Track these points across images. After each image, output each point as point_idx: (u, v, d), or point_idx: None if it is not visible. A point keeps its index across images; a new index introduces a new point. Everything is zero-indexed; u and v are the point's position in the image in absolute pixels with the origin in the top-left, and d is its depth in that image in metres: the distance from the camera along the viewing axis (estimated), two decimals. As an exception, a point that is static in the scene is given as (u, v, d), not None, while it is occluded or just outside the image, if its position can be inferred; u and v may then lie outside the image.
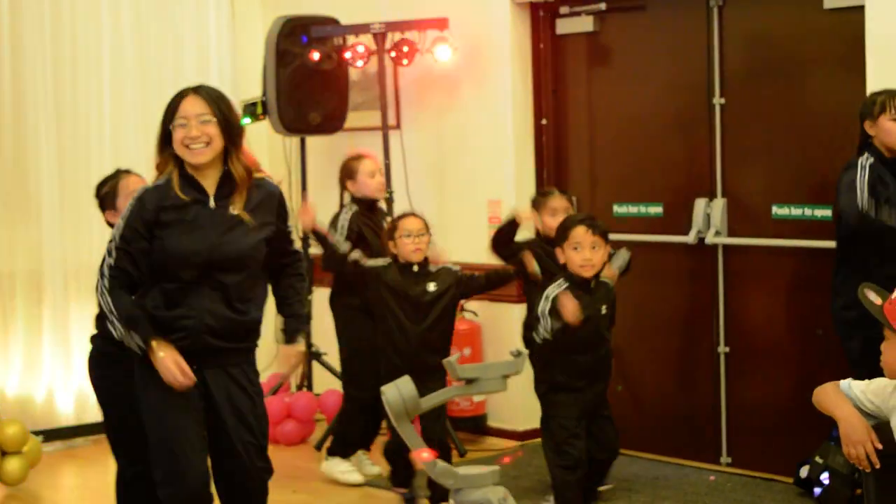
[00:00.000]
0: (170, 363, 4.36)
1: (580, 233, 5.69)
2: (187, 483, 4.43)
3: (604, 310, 5.78)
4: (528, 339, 6.00)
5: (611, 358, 5.96)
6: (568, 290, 5.65)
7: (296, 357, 4.63)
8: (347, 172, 6.81)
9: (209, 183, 4.53)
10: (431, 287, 6.05)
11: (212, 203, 4.51)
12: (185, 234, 4.46)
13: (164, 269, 4.48)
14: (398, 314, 5.96)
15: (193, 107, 4.48)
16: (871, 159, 5.51)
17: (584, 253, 5.68)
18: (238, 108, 7.75)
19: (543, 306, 5.66)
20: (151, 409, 4.50)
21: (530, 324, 5.93)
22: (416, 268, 6.04)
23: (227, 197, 4.53)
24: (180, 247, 4.45)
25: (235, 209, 4.52)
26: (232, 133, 4.52)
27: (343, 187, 6.88)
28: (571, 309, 5.53)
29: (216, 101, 4.53)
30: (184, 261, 4.45)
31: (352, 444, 6.73)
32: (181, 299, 4.47)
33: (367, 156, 6.84)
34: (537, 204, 6.38)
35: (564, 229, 5.74)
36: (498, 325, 7.55)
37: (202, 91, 4.55)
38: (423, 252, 6.06)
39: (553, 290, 5.69)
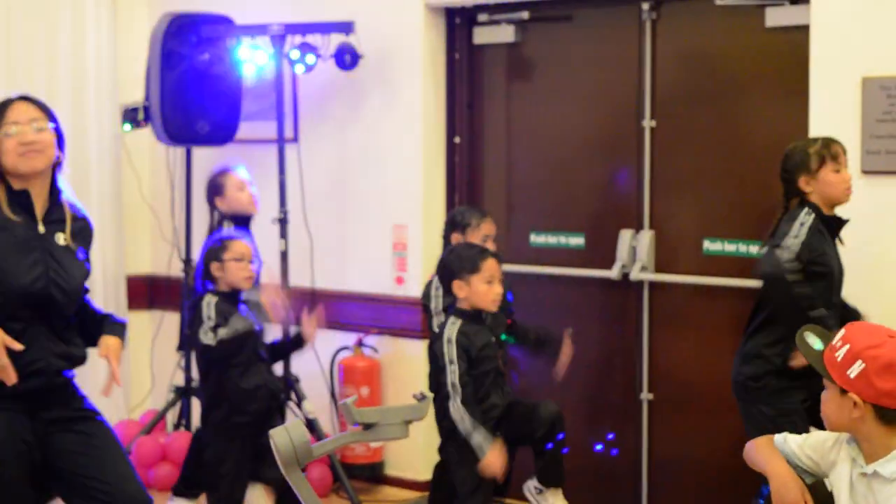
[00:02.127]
0: None
1: (493, 266, 5.73)
2: None
3: (503, 336, 5.95)
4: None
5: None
6: (466, 325, 5.70)
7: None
8: (215, 188, 6.82)
9: (37, 203, 4.51)
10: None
11: (41, 227, 4.50)
12: (19, 257, 4.44)
13: None
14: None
15: (26, 112, 4.48)
16: (813, 218, 5.50)
17: (496, 287, 5.73)
18: (117, 113, 7.75)
19: (451, 352, 5.68)
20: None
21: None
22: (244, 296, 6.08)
23: (55, 223, 4.53)
24: (15, 271, 4.42)
25: (62, 239, 4.54)
26: (62, 146, 4.56)
27: (212, 206, 6.88)
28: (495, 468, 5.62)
29: (47, 108, 4.56)
30: (21, 290, 4.43)
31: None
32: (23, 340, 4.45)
33: (233, 168, 6.88)
34: (465, 226, 6.35)
35: (473, 261, 5.72)
36: (399, 362, 7.54)
37: (32, 98, 4.56)
38: (253, 278, 6.07)
39: (452, 331, 5.71)
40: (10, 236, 4.44)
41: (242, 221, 6.76)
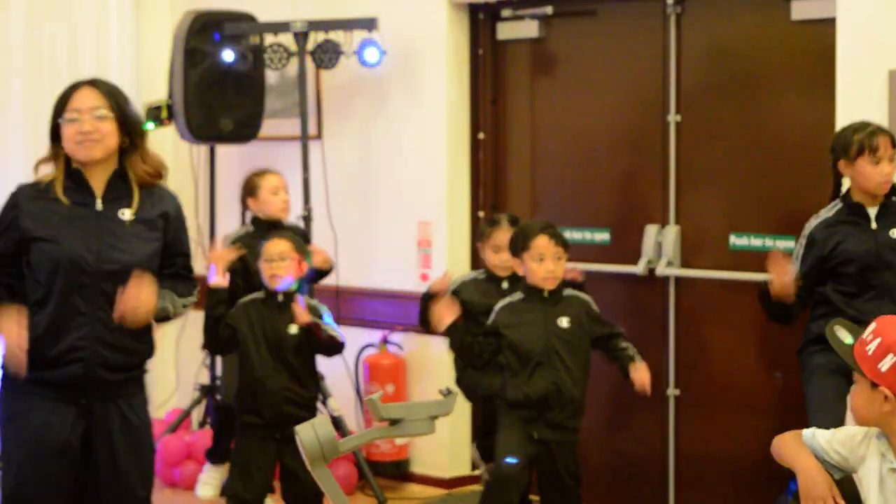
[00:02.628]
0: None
1: (543, 243, 5.73)
2: None
3: (564, 323, 5.76)
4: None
5: (577, 388, 5.83)
6: (521, 302, 5.73)
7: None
8: (249, 189, 6.83)
9: (97, 184, 4.50)
10: (293, 329, 6.00)
11: (98, 205, 4.48)
12: (68, 231, 4.44)
13: (37, 285, 4.44)
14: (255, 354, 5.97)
15: (87, 100, 4.45)
16: (837, 208, 5.56)
17: (548, 264, 5.72)
18: (140, 111, 7.75)
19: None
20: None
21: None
22: (280, 297, 6.01)
23: (117, 200, 4.50)
24: (64, 243, 4.42)
25: (125, 215, 4.50)
26: (132, 131, 4.52)
27: (244, 206, 6.89)
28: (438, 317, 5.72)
29: (113, 95, 4.51)
30: (67, 262, 4.42)
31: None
32: (64, 324, 4.43)
33: (271, 171, 6.85)
34: (482, 235, 6.36)
35: (524, 238, 5.76)
36: (425, 359, 7.53)
37: (98, 84, 4.53)
38: (282, 277, 5.98)
39: (505, 301, 5.80)
40: (54, 212, 4.44)
41: (271, 226, 6.72)
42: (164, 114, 7.53)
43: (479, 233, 6.47)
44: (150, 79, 8.16)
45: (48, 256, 4.42)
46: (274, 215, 6.78)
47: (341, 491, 3.24)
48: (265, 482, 5.99)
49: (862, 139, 5.46)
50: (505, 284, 6.23)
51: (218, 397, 7.43)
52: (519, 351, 5.71)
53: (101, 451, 4.52)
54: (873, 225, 5.52)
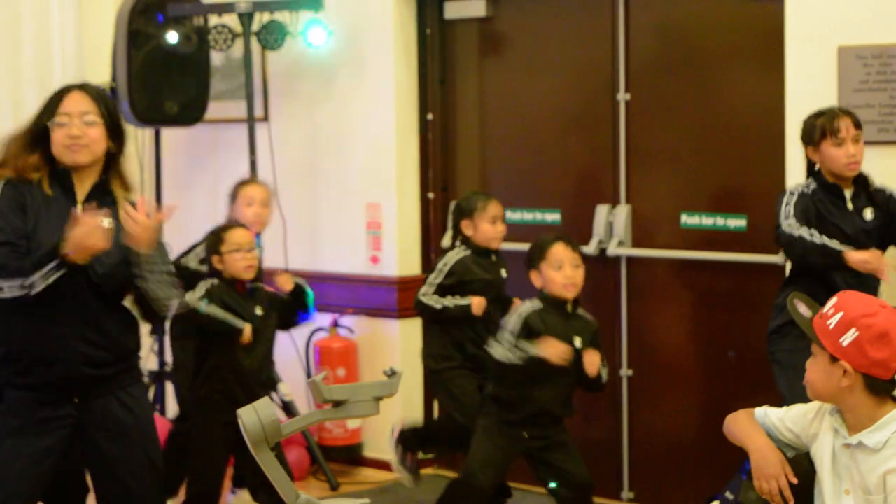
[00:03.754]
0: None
1: (560, 250, 5.70)
2: None
3: (577, 342, 5.69)
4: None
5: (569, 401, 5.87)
6: (544, 312, 5.65)
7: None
8: (231, 195, 6.72)
9: (81, 188, 4.52)
10: (258, 311, 6.04)
11: (78, 207, 4.47)
12: (54, 231, 4.41)
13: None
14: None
15: (77, 104, 4.48)
16: (813, 186, 5.53)
17: (567, 271, 5.68)
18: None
19: (515, 324, 5.65)
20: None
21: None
22: (247, 284, 6.01)
23: (101, 205, 4.47)
24: (46, 242, 4.39)
25: (105, 223, 4.42)
26: (119, 139, 4.56)
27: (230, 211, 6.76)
28: (556, 352, 5.54)
29: (103, 100, 4.55)
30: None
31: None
32: (46, 325, 4.44)
33: (256, 183, 6.78)
34: (473, 210, 6.33)
35: (541, 249, 5.73)
36: (376, 342, 7.50)
37: (88, 88, 4.56)
38: (255, 269, 5.97)
39: (528, 308, 5.69)
40: (48, 210, 4.45)
41: None
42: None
43: (465, 210, 6.36)
44: (93, 61, 8.06)
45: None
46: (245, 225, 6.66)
47: (286, 475, 3.20)
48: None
49: (823, 122, 5.50)
50: (493, 258, 6.36)
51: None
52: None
53: (101, 446, 4.58)
54: (849, 206, 5.52)
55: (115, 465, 4.59)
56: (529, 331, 5.62)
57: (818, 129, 5.50)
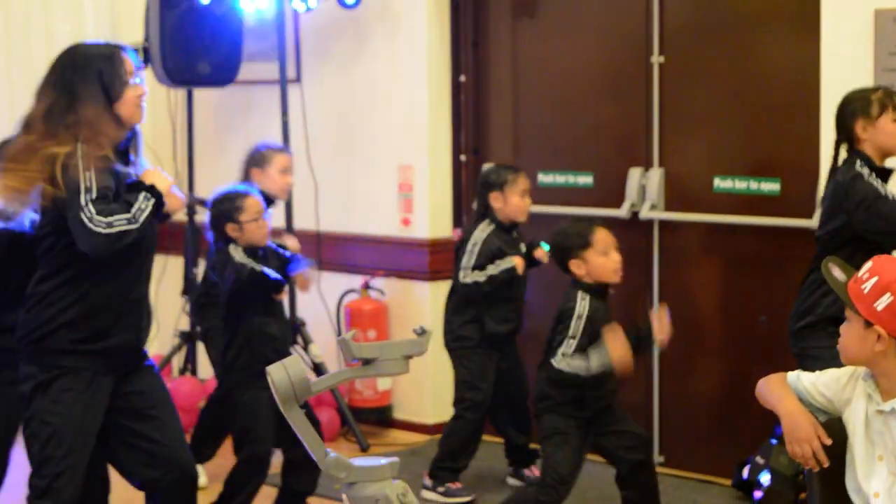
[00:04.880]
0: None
1: (604, 236, 5.56)
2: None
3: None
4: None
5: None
6: (598, 305, 5.50)
7: None
8: (257, 160, 6.60)
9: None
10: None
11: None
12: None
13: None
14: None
15: (133, 63, 4.54)
16: (865, 168, 5.21)
17: (614, 255, 5.56)
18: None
19: (575, 328, 5.46)
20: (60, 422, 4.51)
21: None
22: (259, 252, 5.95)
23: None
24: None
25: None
26: None
27: (246, 175, 6.65)
28: (623, 356, 5.42)
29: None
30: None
31: None
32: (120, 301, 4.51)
33: (283, 149, 6.74)
34: (503, 184, 6.33)
35: (582, 236, 5.55)
36: (406, 304, 7.51)
37: (129, 50, 4.60)
38: (267, 235, 5.91)
39: (584, 307, 5.50)
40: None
41: (269, 202, 6.54)
42: (141, 57, 7.40)
43: (494, 183, 6.34)
44: (126, 22, 8.09)
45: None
46: (275, 194, 6.58)
47: (315, 433, 3.20)
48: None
49: (882, 97, 5.32)
50: (514, 233, 6.39)
51: None
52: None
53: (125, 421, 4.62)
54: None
55: (145, 433, 4.63)
56: (594, 327, 5.46)
57: (877, 103, 5.28)
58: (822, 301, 5.23)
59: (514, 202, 6.34)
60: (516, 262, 6.28)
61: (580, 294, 5.51)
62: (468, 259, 6.31)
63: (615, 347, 5.39)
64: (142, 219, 4.37)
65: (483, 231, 6.34)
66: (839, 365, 3.76)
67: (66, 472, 4.47)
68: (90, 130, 4.38)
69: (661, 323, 5.52)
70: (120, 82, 4.45)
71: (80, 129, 4.38)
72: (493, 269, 6.27)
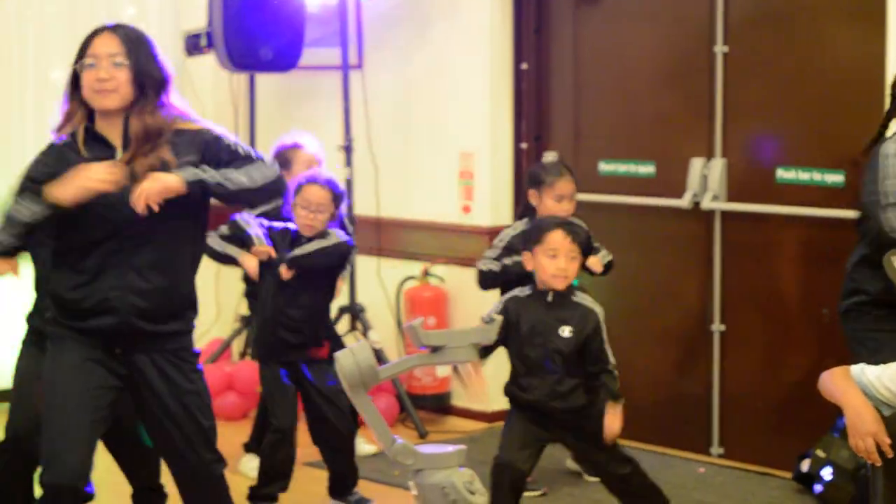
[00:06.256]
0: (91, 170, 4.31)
1: (558, 239, 5.34)
2: (53, 473, 4.41)
3: (565, 332, 5.28)
4: None
5: (580, 404, 5.35)
6: (530, 299, 5.33)
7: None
8: (281, 163, 6.62)
9: (114, 134, 4.44)
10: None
11: (118, 155, 4.41)
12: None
13: (71, 239, 4.43)
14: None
15: (106, 46, 4.38)
16: None
17: (560, 262, 5.32)
18: (179, 40, 7.72)
19: (495, 306, 5.35)
20: (47, 387, 4.49)
21: None
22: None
23: (138, 150, 4.41)
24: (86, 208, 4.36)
25: (143, 165, 4.37)
26: (144, 84, 4.41)
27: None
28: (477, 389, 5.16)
29: (133, 43, 4.42)
30: (90, 225, 4.39)
31: None
32: (97, 275, 4.42)
33: (300, 145, 6.61)
34: (541, 184, 6.17)
35: (539, 231, 5.42)
36: (466, 291, 7.51)
37: (118, 29, 4.44)
38: (314, 230, 5.91)
39: (516, 294, 5.37)
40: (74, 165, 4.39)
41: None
42: (204, 42, 7.49)
43: (533, 179, 6.25)
44: (190, 7, 8.13)
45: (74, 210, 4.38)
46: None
47: (381, 417, 3.22)
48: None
49: None
50: None
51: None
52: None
53: (149, 409, 4.57)
54: None
55: (166, 427, 4.56)
56: (506, 316, 5.24)
57: None
58: (871, 282, 5.10)
59: (547, 205, 6.12)
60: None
61: (525, 288, 5.39)
62: (491, 251, 6.15)
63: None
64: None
65: (514, 230, 6.16)
66: (890, 352, 3.75)
67: None
68: None
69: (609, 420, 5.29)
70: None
71: None
72: (509, 260, 6.01)
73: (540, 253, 5.33)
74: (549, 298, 5.31)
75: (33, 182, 4.40)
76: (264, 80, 8.03)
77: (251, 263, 5.95)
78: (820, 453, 6.05)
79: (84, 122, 4.44)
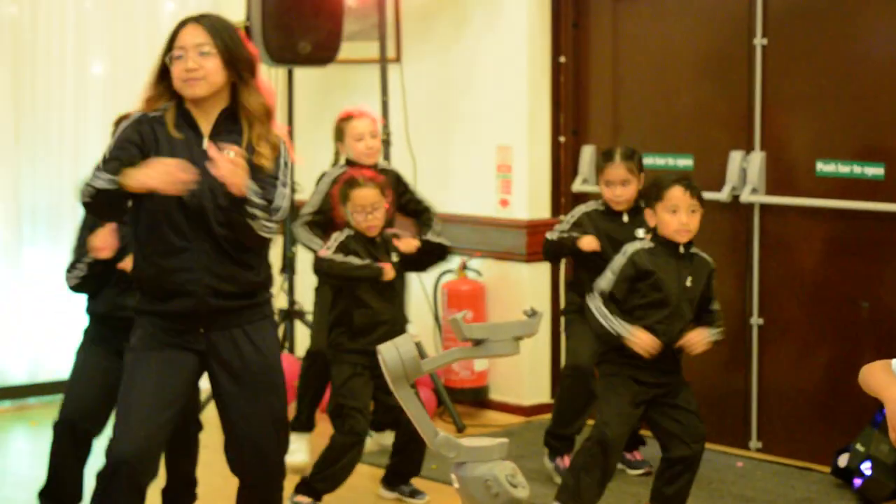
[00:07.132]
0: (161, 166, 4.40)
1: (677, 194, 5.51)
2: (116, 447, 4.52)
3: (689, 282, 5.57)
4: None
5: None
6: (654, 251, 5.53)
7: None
8: (336, 131, 6.73)
9: (205, 122, 4.56)
10: (394, 258, 6.05)
11: (205, 143, 4.51)
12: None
13: (152, 223, 4.52)
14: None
15: (193, 37, 4.50)
16: None
17: (682, 216, 5.50)
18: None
19: (619, 264, 5.54)
20: (127, 368, 4.61)
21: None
22: (378, 239, 6.02)
23: (224, 135, 4.52)
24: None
25: (231, 154, 4.45)
26: (238, 67, 4.53)
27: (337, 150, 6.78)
28: (646, 345, 5.44)
29: (219, 31, 4.54)
30: (173, 201, 4.47)
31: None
32: (176, 256, 4.52)
33: (357, 115, 6.68)
34: (600, 168, 6.29)
35: (659, 189, 5.57)
36: (504, 285, 7.55)
37: (203, 20, 4.56)
38: (379, 228, 5.96)
39: (636, 246, 5.56)
40: (173, 151, 4.50)
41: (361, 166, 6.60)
42: (243, 36, 7.51)
43: (596, 163, 6.43)
44: (228, 1, 8.17)
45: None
46: (358, 160, 6.64)
47: (425, 411, 3.25)
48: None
49: None
50: (625, 218, 6.24)
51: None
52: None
53: (222, 385, 4.65)
54: None
55: (235, 409, 4.64)
56: (637, 271, 5.50)
57: None
58: None
59: (602, 189, 6.27)
60: (585, 240, 6.17)
61: (644, 240, 5.62)
62: (562, 226, 6.29)
63: (638, 338, 5.45)
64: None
65: (586, 207, 6.31)
66: None
67: None
68: None
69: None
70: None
71: None
72: (565, 234, 6.23)
73: (661, 209, 5.53)
74: (681, 250, 5.57)
75: (118, 160, 4.48)
76: (303, 74, 8.06)
77: (389, 273, 6.00)
78: (859, 447, 6.05)
79: (173, 105, 4.55)
